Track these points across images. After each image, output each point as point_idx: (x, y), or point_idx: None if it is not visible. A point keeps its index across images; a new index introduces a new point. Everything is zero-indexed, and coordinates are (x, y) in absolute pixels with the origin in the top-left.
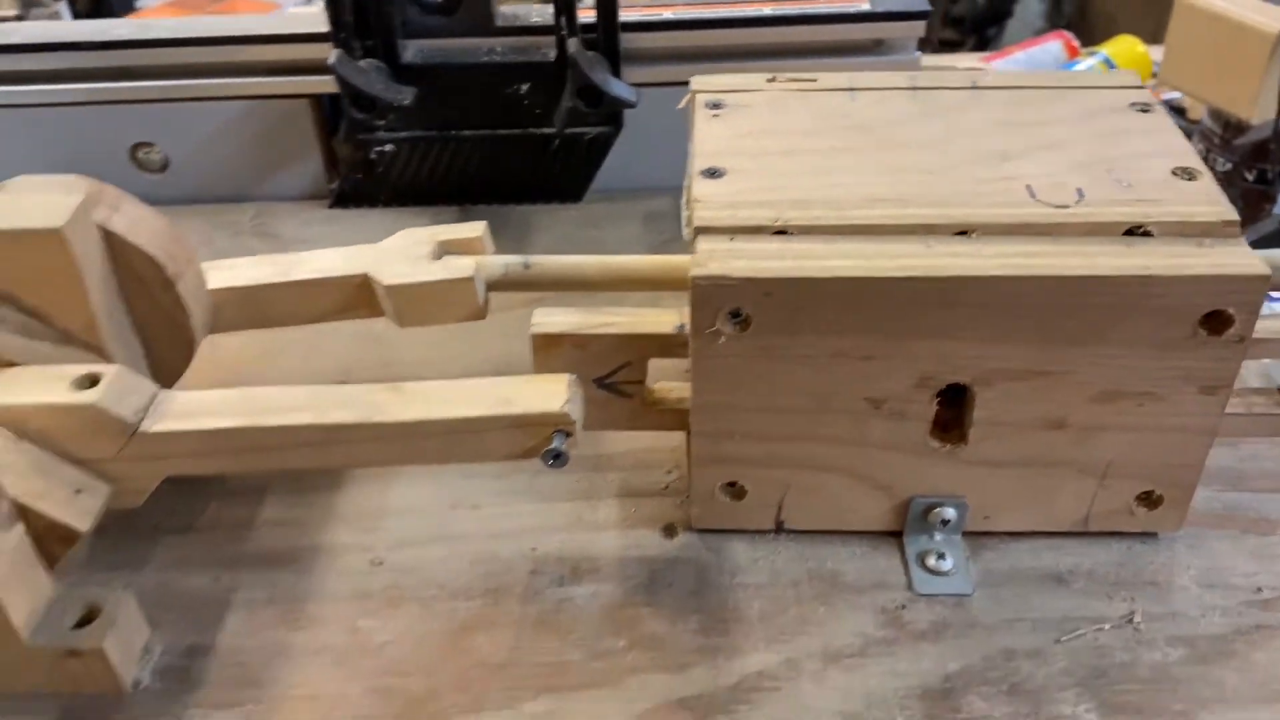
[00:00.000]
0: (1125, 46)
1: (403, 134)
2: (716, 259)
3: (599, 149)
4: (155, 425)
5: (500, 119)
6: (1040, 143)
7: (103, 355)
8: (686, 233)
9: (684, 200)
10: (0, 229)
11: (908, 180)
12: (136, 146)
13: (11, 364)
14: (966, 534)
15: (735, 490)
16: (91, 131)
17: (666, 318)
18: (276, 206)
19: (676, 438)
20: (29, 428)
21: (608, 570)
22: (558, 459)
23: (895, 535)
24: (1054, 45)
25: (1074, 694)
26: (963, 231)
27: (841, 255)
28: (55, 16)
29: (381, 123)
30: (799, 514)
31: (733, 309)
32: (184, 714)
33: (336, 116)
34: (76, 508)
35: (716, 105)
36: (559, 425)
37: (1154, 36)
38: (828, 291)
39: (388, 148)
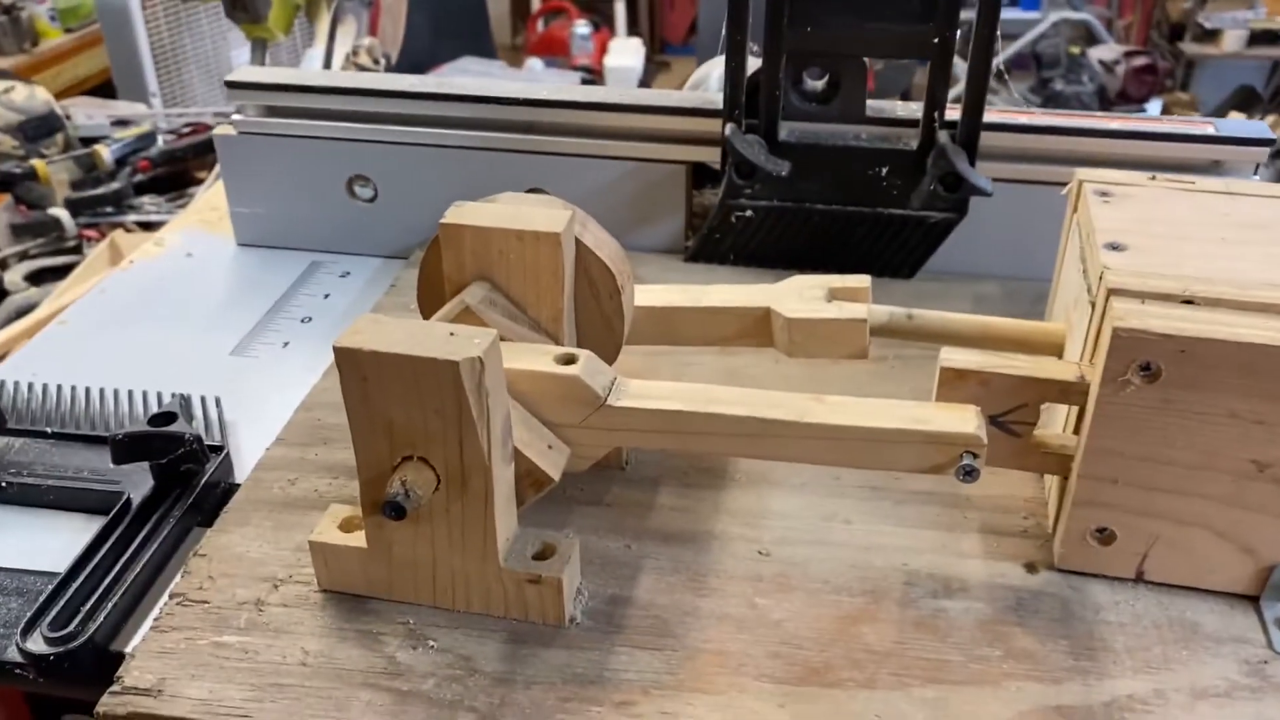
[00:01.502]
0: None
1: (764, 202)
2: (1135, 316)
3: (941, 232)
4: (618, 401)
5: (856, 197)
6: None
7: (559, 345)
8: (1091, 295)
9: (1068, 273)
10: (511, 228)
11: None
12: (531, 189)
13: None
14: None
15: (1105, 535)
16: (494, 174)
17: (1068, 366)
18: (640, 255)
19: (1031, 489)
20: (517, 389)
21: (977, 591)
22: (970, 474)
23: (1250, 599)
24: None
25: None
26: None
27: (1250, 325)
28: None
29: (749, 190)
30: (1161, 566)
31: (1145, 361)
32: (613, 649)
33: (700, 183)
34: (551, 459)
35: (1105, 194)
36: (969, 446)
37: None
38: (1237, 355)
39: (749, 213)
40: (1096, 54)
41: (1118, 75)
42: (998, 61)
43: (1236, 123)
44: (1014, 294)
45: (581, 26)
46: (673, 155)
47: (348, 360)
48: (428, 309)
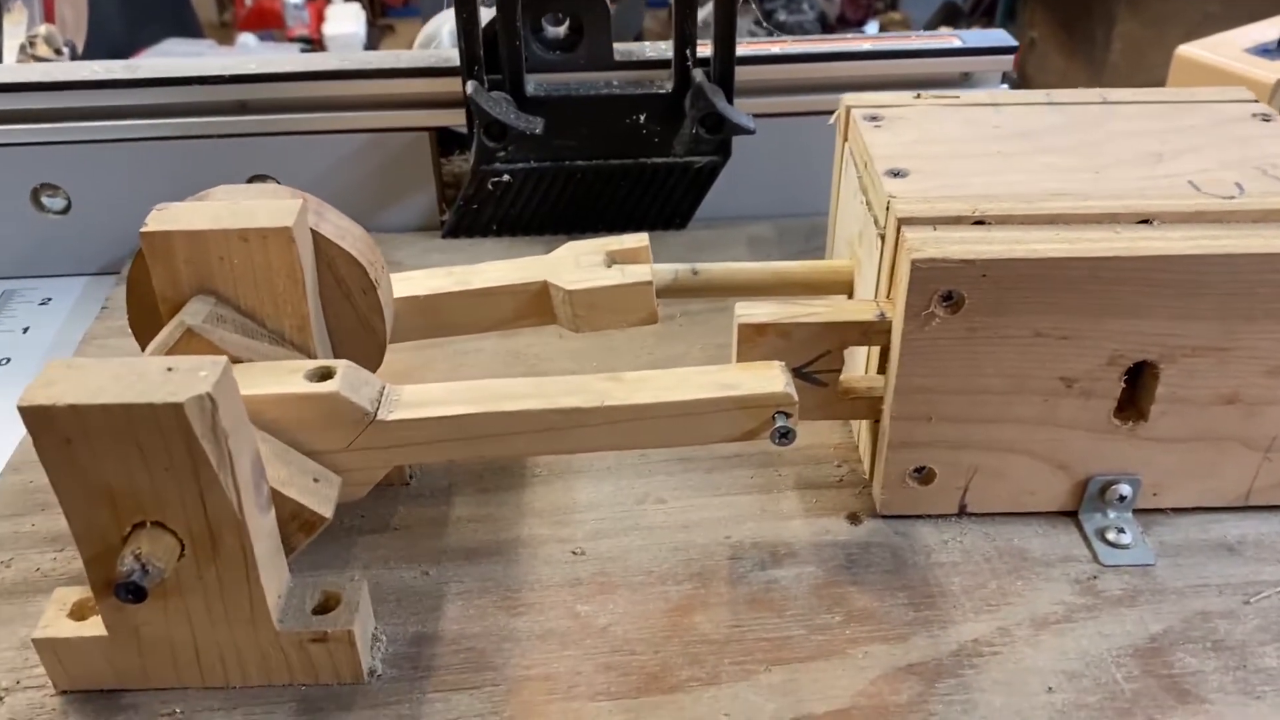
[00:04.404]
0: None
1: (521, 165)
2: (930, 244)
3: (707, 177)
4: (390, 414)
5: (616, 149)
6: (1184, 147)
7: (310, 357)
8: (879, 227)
9: (846, 206)
10: (232, 228)
11: (1078, 178)
12: (252, 178)
13: (236, 360)
14: (1135, 511)
15: (924, 475)
16: (209, 164)
17: (867, 306)
18: (392, 237)
19: (839, 435)
20: (265, 419)
21: (805, 554)
22: (785, 435)
23: (1068, 515)
24: None
25: (1275, 648)
26: (1145, 220)
27: (1045, 240)
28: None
29: (503, 153)
30: (981, 497)
31: (946, 291)
32: (424, 698)
33: (447, 150)
34: (319, 495)
35: (874, 118)
36: (781, 405)
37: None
38: (1036, 271)
39: (505, 178)
40: None
41: (834, 1)
42: None
43: (980, 33)
44: (787, 232)
45: None
46: (412, 122)
47: (41, 421)
48: (145, 337)
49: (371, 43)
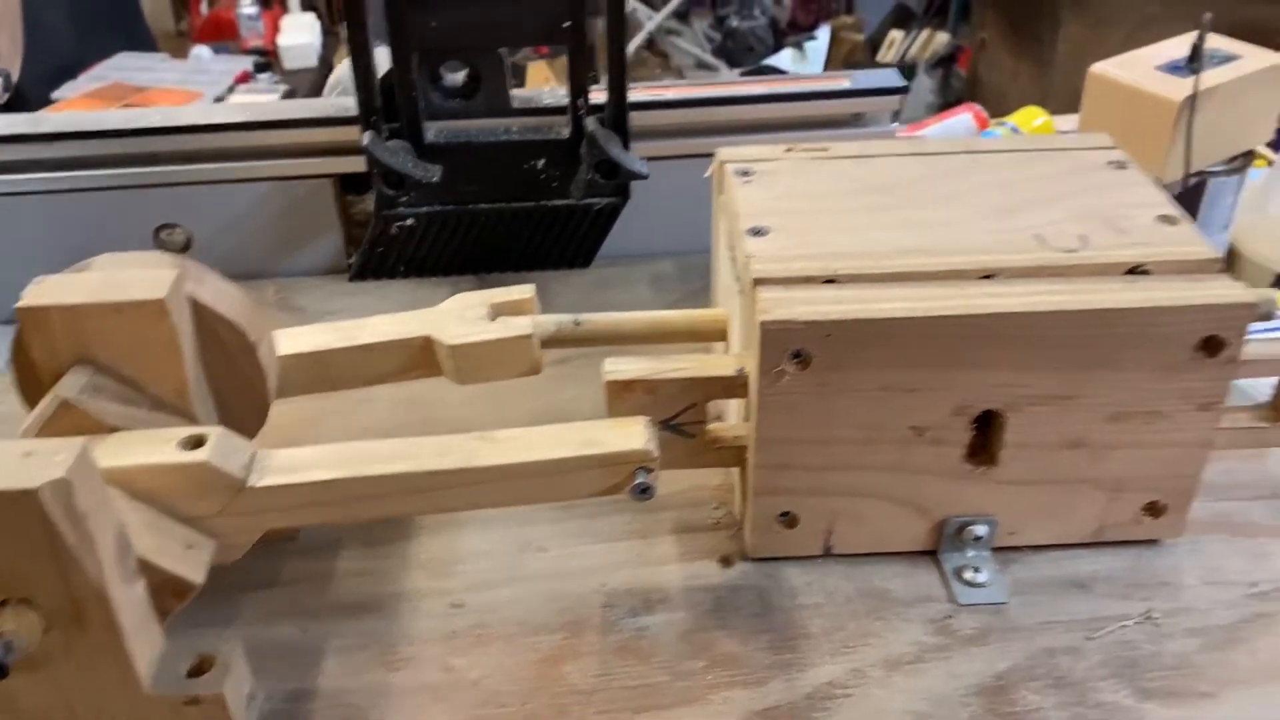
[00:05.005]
0: (1029, 116)
1: (424, 209)
2: (780, 305)
3: (608, 218)
4: (261, 480)
5: (516, 193)
6: (1039, 197)
7: (191, 421)
8: (740, 283)
9: (723, 255)
10: (106, 302)
11: (931, 232)
12: (160, 228)
13: (113, 429)
14: (995, 549)
15: (789, 519)
16: (115, 215)
17: (728, 362)
18: (298, 281)
19: (719, 477)
20: (137, 488)
21: (676, 600)
22: (644, 492)
23: (930, 554)
24: (965, 117)
25: (1112, 683)
26: (988, 275)
27: (888, 299)
28: None
29: (405, 199)
30: (845, 539)
31: (795, 349)
32: None
33: (361, 189)
34: (191, 561)
35: (746, 173)
36: (642, 462)
37: (1041, 106)
38: (879, 331)
39: (409, 222)
40: None
41: (785, 6)
42: (675, 3)
43: (871, 74)
44: (689, 269)
45: (248, 6)
46: (316, 169)
47: None
48: (33, 399)
49: (327, 52)
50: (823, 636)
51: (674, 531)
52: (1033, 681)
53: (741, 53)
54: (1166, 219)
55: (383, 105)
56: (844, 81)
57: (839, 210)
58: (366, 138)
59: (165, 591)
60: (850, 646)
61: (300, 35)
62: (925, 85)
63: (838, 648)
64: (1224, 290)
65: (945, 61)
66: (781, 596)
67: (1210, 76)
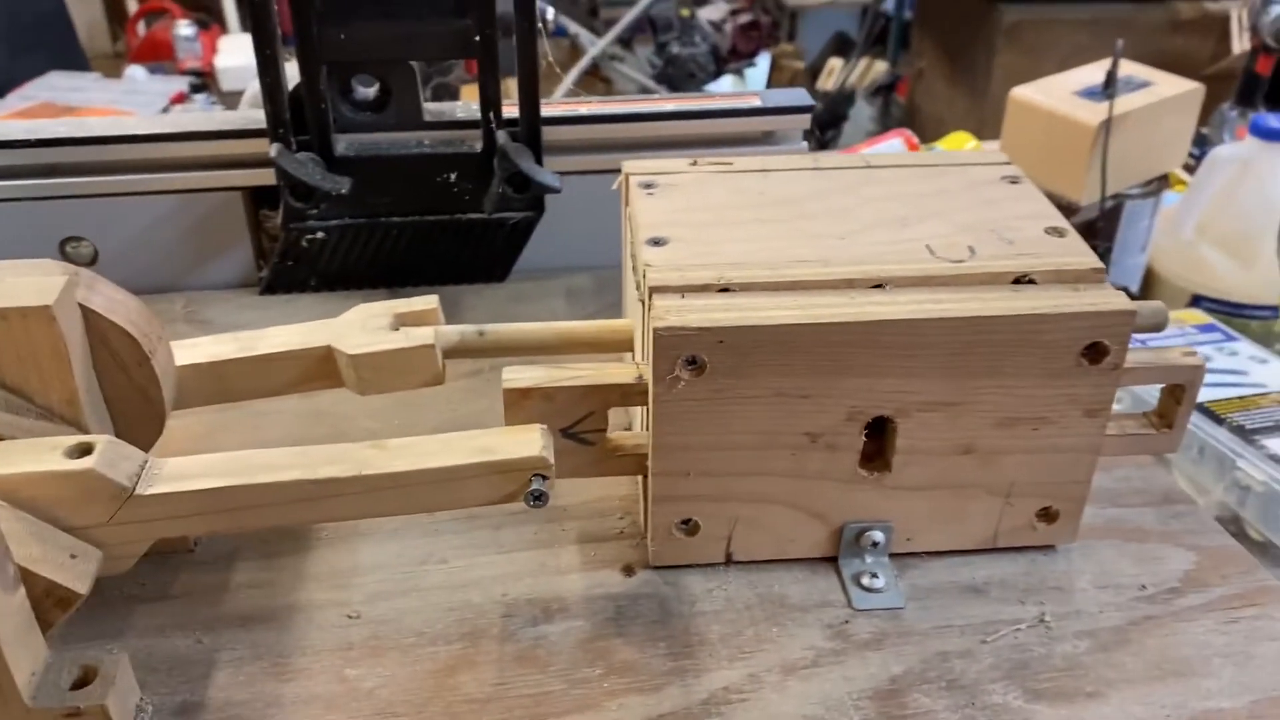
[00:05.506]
0: (958, 141)
1: (334, 221)
2: (674, 313)
3: (523, 232)
4: (150, 489)
5: (429, 206)
6: (932, 210)
7: (81, 431)
8: (639, 292)
9: (629, 267)
10: None
11: (826, 244)
12: (65, 241)
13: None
14: (893, 555)
15: (689, 527)
16: (19, 227)
17: (626, 369)
18: (208, 295)
19: (625, 487)
20: (21, 496)
21: (577, 609)
22: (539, 499)
23: (830, 560)
24: (896, 142)
25: (1002, 685)
26: (878, 284)
27: (780, 306)
28: None
29: (314, 211)
30: (746, 546)
31: (689, 356)
32: None
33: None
34: (75, 571)
35: (649, 185)
36: (537, 469)
37: (977, 133)
38: (771, 337)
39: (319, 235)
40: (705, 14)
41: (726, 33)
42: (618, 30)
43: (780, 93)
44: (606, 283)
45: (185, 27)
46: (225, 182)
47: None
48: None
49: None
50: (720, 643)
51: (578, 541)
52: (925, 685)
53: (683, 79)
54: (1055, 231)
55: (292, 117)
56: (754, 100)
57: (737, 222)
58: (274, 149)
59: (48, 602)
60: (747, 652)
61: (238, 57)
62: (865, 113)
63: (735, 653)
64: (1106, 298)
65: (885, 89)
66: (681, 604)
67: (1125, 101)
